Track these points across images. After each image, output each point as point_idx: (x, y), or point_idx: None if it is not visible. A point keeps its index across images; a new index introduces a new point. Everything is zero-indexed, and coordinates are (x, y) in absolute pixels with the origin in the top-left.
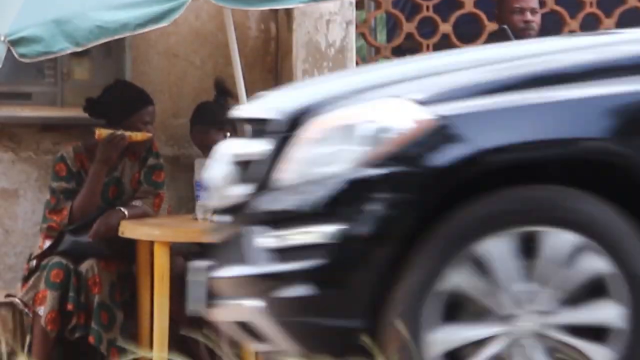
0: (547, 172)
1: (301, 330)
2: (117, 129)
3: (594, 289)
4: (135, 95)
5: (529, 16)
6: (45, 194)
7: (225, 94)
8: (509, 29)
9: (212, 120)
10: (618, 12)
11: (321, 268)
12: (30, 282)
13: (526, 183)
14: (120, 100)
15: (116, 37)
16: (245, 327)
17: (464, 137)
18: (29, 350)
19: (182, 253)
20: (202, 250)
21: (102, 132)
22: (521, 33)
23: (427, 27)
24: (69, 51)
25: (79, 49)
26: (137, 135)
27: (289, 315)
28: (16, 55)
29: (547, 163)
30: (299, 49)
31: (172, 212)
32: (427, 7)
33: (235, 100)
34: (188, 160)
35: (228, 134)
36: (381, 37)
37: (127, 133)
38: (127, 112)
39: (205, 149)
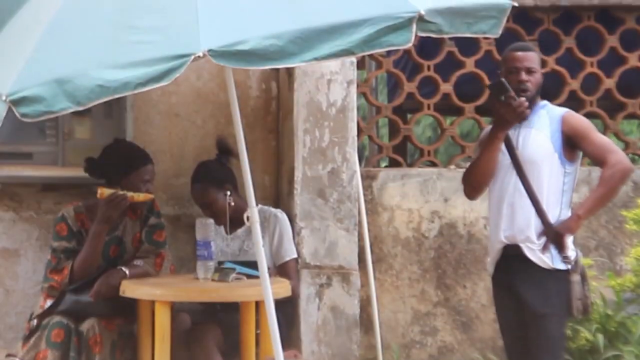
0: None
1: None
2: (118, 189)
3: None
4: (134, 154)
5: (523, 76)
6: (46, 253)
7: (227, 153)
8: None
9: (211, 178)
10: (618, 72)
11: None
12: (31, 341)
13: None
14: (119, 160)
15: (117, 96)
16: None
17: None
18: None
19: (186, 310)
20: (205, 308)
21: (104, 192)
22: (515, 92)
23: (428, 87)
24: (70, 110)
25: (80, 108)
26: (140, 196)
27: None
28: (18, 115)
29: None
30: (300, 109)
31: (174, 272)
32: (428, 67)
33: (237, 159)
34: (189, 220)
35: (228, 193)
36: (382, 96)
37: (129, 193)
38: (126, 171)
39: (206, 208)
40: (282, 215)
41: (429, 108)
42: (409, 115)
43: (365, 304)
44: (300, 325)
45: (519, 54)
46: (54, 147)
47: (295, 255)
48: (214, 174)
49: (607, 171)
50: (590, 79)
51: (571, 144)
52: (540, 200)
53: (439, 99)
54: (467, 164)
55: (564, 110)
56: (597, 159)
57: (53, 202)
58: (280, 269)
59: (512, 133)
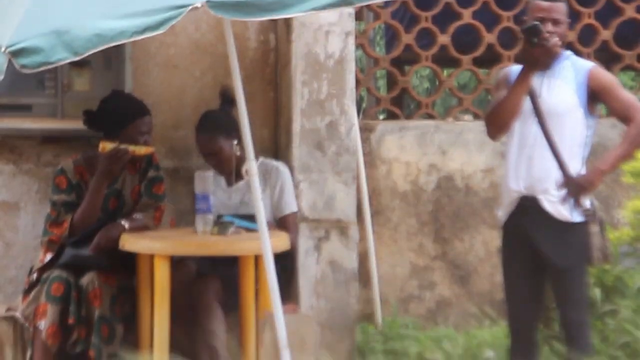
0: None
1: None
2: (116, 141)
3: None
4: (131, 105)
5: (549, 27)
6: (46, 206)
7: (230, 103)
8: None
9: (218, 127)
10: (615, 23)
11: None
12: (31, 295)
13: None
14: (116, 111)
15: (113, 44)
16: None
17: None
18: None
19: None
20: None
21: (105, 146)
22: (541, 42)
23: (426, 39)
24: (67, 60)
25: (77, 58)
26: (141, 149)
27: None
28: (17, 67)
29: None
30: (298, 60)
31: (174, 225)
32: (426, 19)
33: None
34: (188, 173)
35: (235, 142)
36: (380, 48)
37: (131, 147)
38: (123, 122)
39: (212, 157)
40: (284, 168)
41: (426, 60)
42: (406, 67)
43: (363, 258)
44: (298, 279)
45: (546, 4)
46: (53, 99)
47: (296, 209)
48: (221, 123)
49: (632, 129)
50: (587, 31)
51: (595, 99)
52: (561, 152)
53: (436, 51)
54: (465, 117)
55: (590, 64)
56: (623, 116)
57: (52, 154)
58: (280, 222)
59: (535, 81)
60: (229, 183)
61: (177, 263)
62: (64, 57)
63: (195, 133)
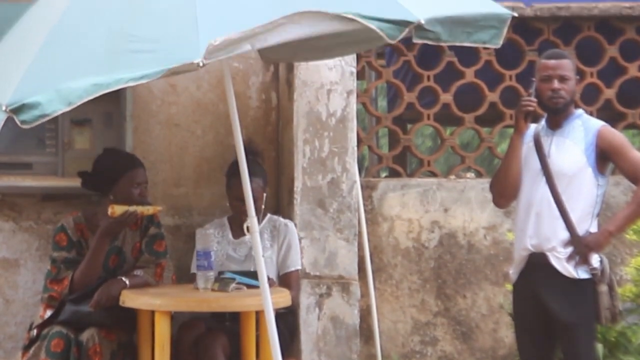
0: None
1: None
2: (109, 196)
3: None
4: (121, 159)
5: (556, 84)
6: (46, 263)
7: (255, 154)
8: (540, 97)
9: (264, 175)
10: (618, 82)
11: None
12: (31, 351)
13: None
14: (107, 167)
15: (109, 90)
16: None
17: None
18: None
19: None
20: (213, 316)
21: (115, 210)
22: (549, 102)
23: (428, 97)
24: (62, 111)
25: (70, 108)
26: (149, 210)
27: None
28: (18, 123)
29: None
30: (300, 119)
31: (176, 282)
32: (428, 77)
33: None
34: (189, 230)
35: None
36: (382, 107)
37: (139, 209)
38: (115, 176)
39: (242, 203)
40: (291, 225)
41: (428, 118)
42: (408, 126)
43: (365, 314)
44: (300, 335)
45: (552, 62)
46: (53, 158)
47: (300, 267)
48: (258, 170)
49: None
50: (591, 89)
51: (605, 158)
52: (569, 211)
53: (438, 109)
54: (467, 174)
55: (600, 123)
56: (631, 176)
57: (53, 212)
58: (283, 278)
59: (544, 140)
60: (236, 236)
61: (186, 323)
62: (58, 108)
63: (229, 176)
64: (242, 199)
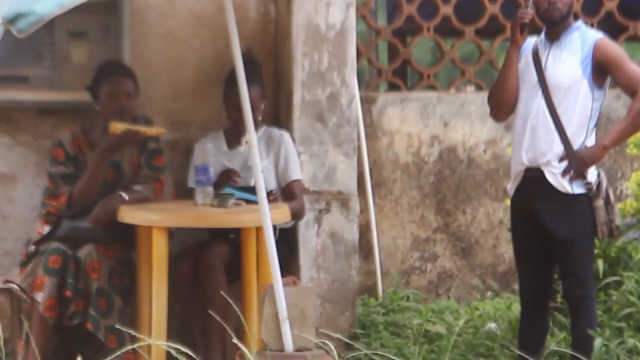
0: None
1: None
2: (96, 101)
3: None
4: (105, 66)
5: None
6: (44, 178)
7: (254, 64)
8: (537, 9)
9: (255, 81)
10: None
11: None
12: (29, 268)
13: None
14: (95, 74)
15: None
16: None
17: None
18: (27, 337)
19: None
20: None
21: (116, 127)
22: (545, 14)
23: (428, 9)
24: (53, 14)
25: (62, 11)
26: (152, 131)
27: None
28: (15, 33)
29: None
30: (298, 32)
31: (175, 197)
32: None
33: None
34: (188, 145)
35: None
36: (381, 19)
37: (142, 129)
38: (96, 84)
39: (239, 111)
40: (287, 136)
41: (428, 31)
42: (408, 38)
43: (364, 230)
44: (299, 251)
45: None
46: (50, 71)
47: (300, 177)
48: (258, 78)
49: (637, 103)
50: (591, 1)
51: (602, 70)
52: (565, 125)
53: (438, 22)
54: (468, 88)
55: (597, 35)
56: (628, 89)
57: (50, 126)
58: (286, 189)
59: (541, 52)
60: (231, 146)
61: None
62: (50, 10)
63: (228, 85)
64: (239, 109)
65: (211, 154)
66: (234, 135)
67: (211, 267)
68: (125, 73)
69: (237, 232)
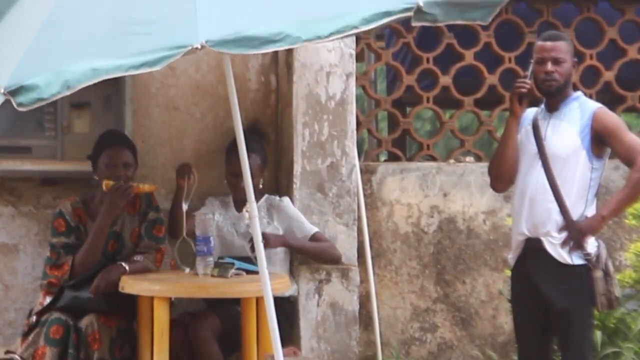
0: None
1: None
2: (95, 171)
3: None
4: (106, 137)
5: (549, 66)
6: (45, 248)
7: (260, 135)
8: (535, 80)
9: (256, 150)
10: (618, 64)
11: None
12: (30, 338)
13: None
14: (96, 144)
15: (108, 77)
16: None
17: None
18: None
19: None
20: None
21: (108, 183)
22: (542, 84)
23: (427, 80)
24: (60, 95)
25: (69, 92)
26: (144, 187)
27: None
28: (15, 105)
29: None
30: (299, 102)
31: (175, 267)
32: (427, 60)
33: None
34: (188, 214)
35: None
36: (381, 89)
37: (134, 184)
38: (97, 153)
39: (239, 179)
40: (287, 200)
41: (428, 101)
42: (408, 109)
43: (364, 300)
44: (299, 321)
45: (547, 44)
46: (53, 141)
47: (317, 229)
48: (259, 147)
49: (635, 173)
50: (590, 72)
51: (601, 140)
52: (564, 195)
53: (438, 92)
54: (467, 158)
55: (596, 105)
56: (626, 160)
57: (52, 196)
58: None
59: (541, 123)
60: (239, 209)
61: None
62: (57, 92)
63: (228, 153)
64: (238, 175)
65: (218, 212)
66: (238, 201)
67: (202, 339)
68: (124, 143)
69: (227, 300)
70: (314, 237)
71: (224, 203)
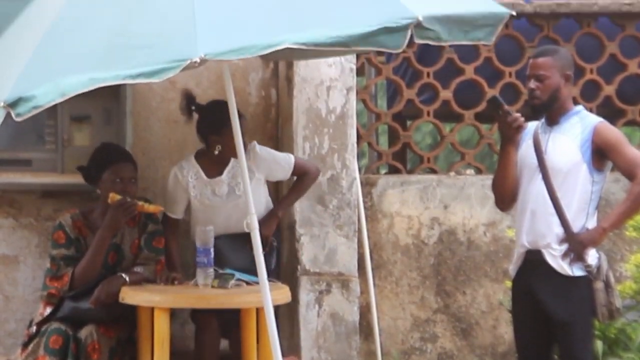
0: None
1: None
2: (97, 185)
3: None
4: (110, 152)
5: (531, 84)
6: (46, 260)
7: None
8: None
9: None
10: (618, 79)
11: None
12: (30, 348)
13: None
14: (96, 158)
15: (104, 84)
16: None
17: None
18: None
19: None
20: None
21: (114, 197)
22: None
23: (428, 93)
24: (55, 102)
25: (64, 99)
26: (150, 207)
27: None
28: (14, 116)
29: None
30: (299, 116)
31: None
32: (428, 74)
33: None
34: (188, 226)
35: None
36: (382, 103)
37: (140, 202)
38: (101, 168)
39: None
40: (254, 146)
41: (428, 115)
42: (408, 122)
43: (364, 311)
44: (299, 331)
45: (531, 61)
46: (53, 154)
47: (292, 157)
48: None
49: (636, 186)
50: (590, 86)
51: (601, 154)
52: (564, 208)
53: (438, 106)
54: (467, 171)
55: (597, 119)
56: (627, 173)
57: (52, 208)
58: (295, 172)
59: (542, 136)
60: (210, 175)
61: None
62: (52, 99)
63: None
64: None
65: (191, 185)
66: (213, 164)
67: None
68: (129, 159)
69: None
70: (296, 168)
71: (192, 171)
